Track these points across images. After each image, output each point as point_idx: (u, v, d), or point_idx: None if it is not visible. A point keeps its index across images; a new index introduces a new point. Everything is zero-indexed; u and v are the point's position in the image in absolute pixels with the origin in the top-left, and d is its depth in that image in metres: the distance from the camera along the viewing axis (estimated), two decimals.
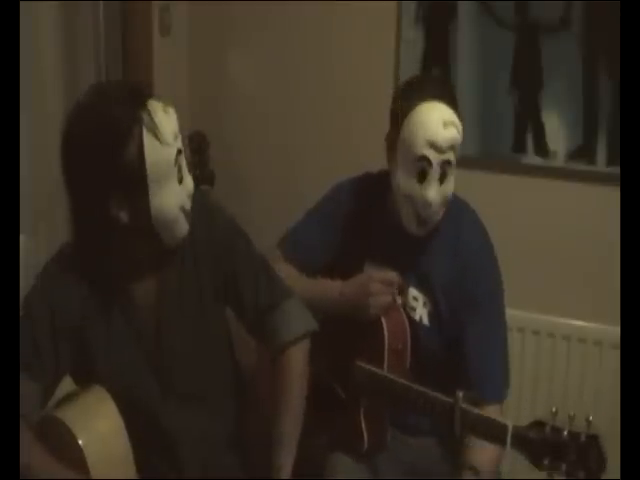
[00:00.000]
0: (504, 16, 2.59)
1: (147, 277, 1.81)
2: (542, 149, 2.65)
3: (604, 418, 2.63)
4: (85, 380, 1.83)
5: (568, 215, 2.66)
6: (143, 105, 1.67)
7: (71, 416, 1.75)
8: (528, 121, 2.64)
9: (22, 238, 2.12)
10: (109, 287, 1.79)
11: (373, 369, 1.97)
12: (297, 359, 1.91)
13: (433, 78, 2.04)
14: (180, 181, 1.73)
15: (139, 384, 1.82)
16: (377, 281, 1.98)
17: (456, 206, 2.02)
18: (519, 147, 2.66)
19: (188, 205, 1.75)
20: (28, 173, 2.28)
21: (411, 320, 2.03)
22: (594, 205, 2.61)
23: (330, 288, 2.05)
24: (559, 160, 2.63)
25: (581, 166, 2.61)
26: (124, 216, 1.69)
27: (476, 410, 1.78)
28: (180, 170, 1.72)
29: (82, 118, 1.69)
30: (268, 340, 1.92)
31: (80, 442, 1.71)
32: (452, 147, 1.88)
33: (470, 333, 1.98)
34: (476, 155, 2.72)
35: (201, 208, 1.81)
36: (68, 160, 1.71)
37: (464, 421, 1.78)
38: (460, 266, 2.00)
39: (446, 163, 1.89)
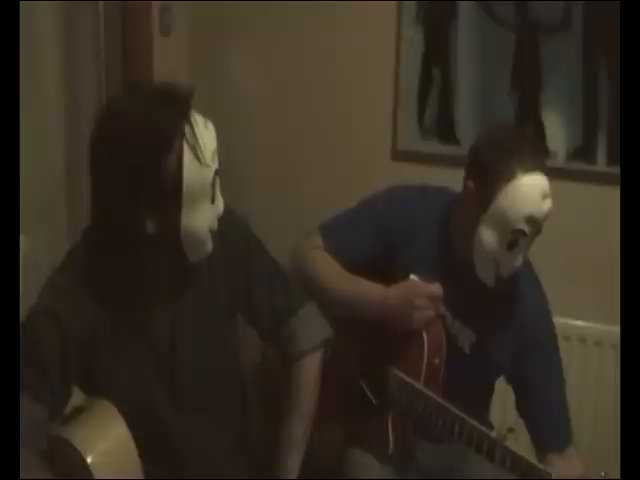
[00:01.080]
0: (504, 16, 2.59)
1: (163, 292, 1.75)
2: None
3: (604, 418, 2.65)
4: (94, 393, 1.77)
5: (568, 215, 2.66)
6: (186, 115, 1.61)
7: (79, 435, 1.70)
8: (528, 121, 2.64)
9: (22, 238, 2.12)
10: (122, 301, 1.71)
11: (410, 381, 1.95)
12: (312, 367, 1.90)
13: (527, 137, 1.93)
14: (212, 201, 1.67)
15: (150, 399, 1.78)
16: (423, 295, 1.93)
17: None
18: None
19: (215, 226, 1.70)
20: (28, 173, 2.28)
21: (450, 338, 1.99)
22: (594, 205, 2.61)
23: (373, 291, 1.98)
24: (559, 160, 2.63)
25: (581, 166, 2.62)
26: (151, 227, 1.62)
27: (518, 451, 1.75)
28: (214, 190, 1.67)
29: (120, 117, 1.62)
30: (284, 347, 1.90)
31: (88, 461, 1.66)
32: (546, 217, 1.86)
33: (537, 375, 1.97)
34: None
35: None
36: (99, 157, 1.64)
37: (503, 458, 1.76)
38: (516, 315, 1.98)
39: (537, 233, 1.88)
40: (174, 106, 1.61)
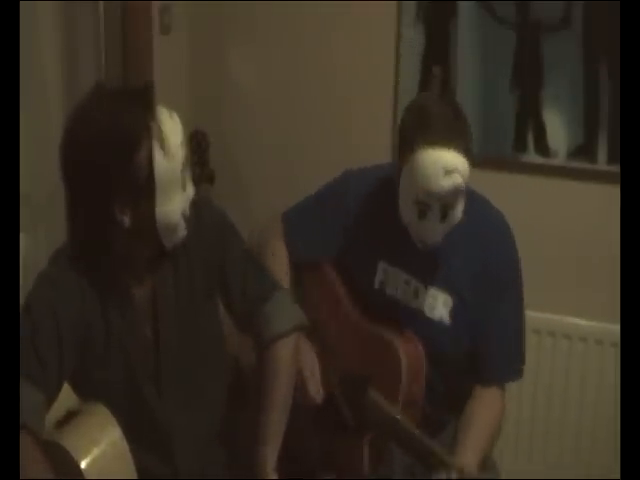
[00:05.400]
0: (504, 16, 2.59)
1: (144, 279, 1.82)
2: (543, 148, 2.65)
3: (604, 418, 2.65)
4: (85, 385, 1.82)
5: (569, 214, 2.66)
6: (152, 113, 1.67)
7: (72, 440, 1.71)
8: (529, 120, 2.64)
9: (22, 237, 2.12)
10: (108, 289, 1.79)
11: (386, 407, 1.94)
12: (285, 353, 1.90)
13: (441, 106, 1.87)
14: (184, 188, 1.74)
15: (136, 383, 1.82)
16: (301, 357, 1.98)
17: (474, 201, 1.98)
18: (520, 146, 2.66)
19: (188, 211, 1.77)
20: (28, 172, 2.28)
21: (430, 322, 2.00)
22: (595, 204, 2.61)
23: None
24: (560, 159, 2.63)
25: (582, 165, 2.61)
26: (127, 221, 1.70)
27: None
28: (184, 177, 1.74)
29: (87, 122, 1.69)
30: (256, 333, 1.92)
31: (82, 466, 1.68)
32: (455, 192, 1.82)
33: (494, 317, 1.98)
34: (477, 154, 2.69)
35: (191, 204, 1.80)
36: (70, 163, 1.71)
37: None
38: (483, 256, 1.98)
39: (447, 205, 1.84)
40: (138, 105, 1.68)
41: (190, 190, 1.77)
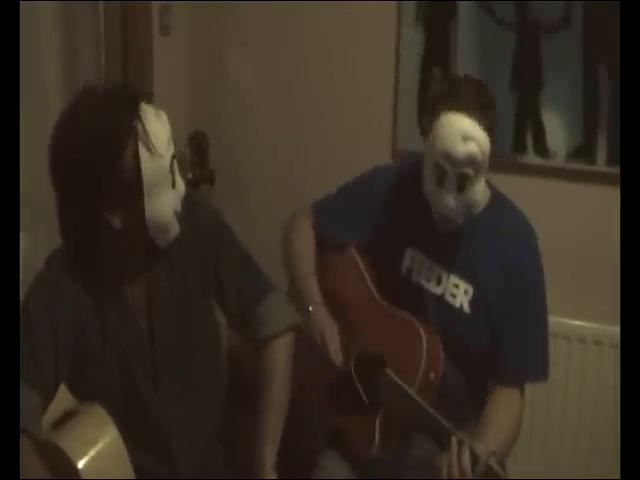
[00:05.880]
0: (504, 16, 2.59)
1: (138, 277, 1.82)
2: (542, 149, 2.65)
3: (603, 419, 2.65)
4: (81, 385, 1.83)
5: (568, 215, 2.66)
6: (136, 114, 1.67)
7: (69, 441, 1.71)
8: (528, 121, 2.64)
9: (22, 236, 2.12)
10: (102, 289, 1.79)
11: (404, 386, 1.95)
12: (280, 353, 1.91)
13: (470, 83, 1.96)
14: (173, 185, 1.74)
15: (132, 381, 1.82)
16: (327, 334, 2.05)
17: (501, 201, 2.07)
18: (519, 147, 2.67)
19: (179, 208, 1.77)
20: (28, 172, 2.28)
21: (451, 309, 2.04)
22: (594, 205, 2.61)
23: (310, 298, 2.11)
24: (559, 160, 2.63)
25: (581, 166, 2.62)
26: (117, 222, 1.70)
27: (502, 473, 1.78)
28: (173, 175, 1.74)
29: (72, 124, 1.69)
30: (251, 333, 1.93)
31: (79, 467, 1.68)
32: (471, 161, 1.88)
33: (515, 316, 2.00)
34: None
35: (185, 203, 1.80)
36: (57, 165, 1.71)
37: (486, 475, 1.77)
38: (506, 254, 2.02)
39: (463, 176, 1.90)
40: (123, 106, 1.68)
41: (181, 187, 1.76)
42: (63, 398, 1.83)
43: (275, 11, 2.83)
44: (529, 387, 2.74)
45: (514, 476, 2.28)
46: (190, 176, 2.56)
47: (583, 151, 2.60)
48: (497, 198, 2.06)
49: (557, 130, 2.61)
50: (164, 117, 1.73)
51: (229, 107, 2.95)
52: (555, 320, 2.67)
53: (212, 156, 2.75)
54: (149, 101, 1.72)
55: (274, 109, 2.93)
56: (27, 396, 1.65)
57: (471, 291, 2.03)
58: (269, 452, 1.88)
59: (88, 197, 1.68)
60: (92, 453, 1.71)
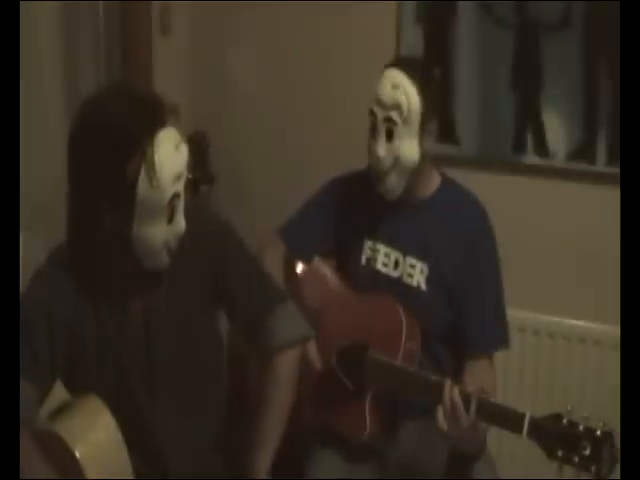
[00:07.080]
0: (504, 16, 2.59)
1: (135, 282, 1.79)
2: (542, 149, 2.65)
3: (604, 418, 2.64)
4: (77, 384, 1.82)
5: (568, 215, 2.66)
6: (152, 133, 1.62)
7: (67, 428, 1.72)
8: (528, 121, 2.64)
9: (22, 236, 2.12)
10: (99, 286, 1.77)
11: (388, 361, 2.01)
12: (287, 365, 1.91)
13: (412, 58, 2.31)
14: (169, 221, 1.69)
15: (128, 384, 1.80)
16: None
17: (451, 184, 2.18)
18: (519, 147, 2.67)
19: (174, 244, 1.72)
20: (28, 172, 2.28)
21: (409, 288, 2.12)
22: (594, 205, 2.61)
23: None
24: (559, 160, 2.63)
25: (581, 166, 2.62)
26: (108, 220, 1.67)
27: (493, 400, 1.82)
28: (173, 211, 1.68)
29: (94, 117, 1.66)
30: (260, 344, 1.91)
31: (77, 454, 1.68)
32: (396, 107, 2.03)
33: (473, 289, 2.08)
34: (476, 155, 2.72)
35: (191, 214, 1.75)
36: (71, 154, 1.69)
37: (480, 410, 1.80)
38: (459, 232, 2.11)
39: (389, 120, 2.04)
40: (147, 113, 1.64)
41: (179, 225, 1.70)
42: (59, 394, 1.84)
43: (275, 11, 2.83)
44: (529, 387, 2.74)
45: (514, 476, 2.28)
46: (190, 176, 2.56)
47: (583, 151, 2.60)
48: (447, 182, 2.17)
49: (557, 130, 2.61)
50: (183, 151, 1.67)
51: (229, 107, 2.95)
52: (555, 320, 2.68)
53: (212, 157, 2.75)
54: (174, 115, 1.68)
55: (274, 109, 2.93)
56: (23, 389, 1.65)
57: (427, 270, 2.11)
58: (265, 456, 1.88)
59: (90, 186, 1.67)
60: (89, 439, 1.72)
